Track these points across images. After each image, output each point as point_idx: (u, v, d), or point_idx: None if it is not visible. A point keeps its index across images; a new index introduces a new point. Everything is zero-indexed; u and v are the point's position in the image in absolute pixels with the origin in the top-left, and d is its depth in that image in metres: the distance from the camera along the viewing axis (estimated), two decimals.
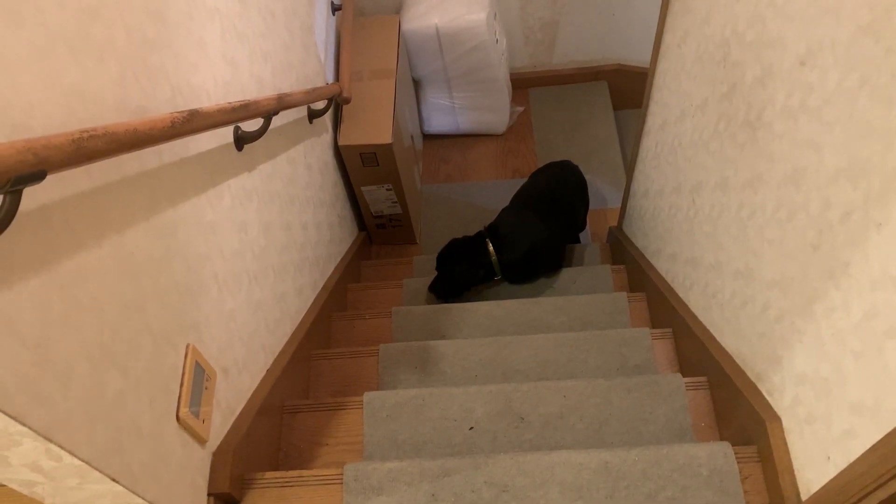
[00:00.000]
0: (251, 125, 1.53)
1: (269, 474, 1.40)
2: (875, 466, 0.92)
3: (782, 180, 1.20)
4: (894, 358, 0.90)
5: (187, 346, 1.20)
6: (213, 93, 1.38)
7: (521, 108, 3.65)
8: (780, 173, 1.21)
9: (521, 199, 2.55)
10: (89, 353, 0.90)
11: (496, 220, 2.49)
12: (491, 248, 2.40)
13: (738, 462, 1.32)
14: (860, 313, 0.98)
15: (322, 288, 2.21)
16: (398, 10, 3.10)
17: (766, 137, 1.25)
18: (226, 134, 1.44)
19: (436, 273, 2.45)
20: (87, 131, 0.79)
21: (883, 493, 0.91)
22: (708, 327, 1.64)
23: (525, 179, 2.70)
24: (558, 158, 2.80)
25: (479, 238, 2.44)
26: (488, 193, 3.31)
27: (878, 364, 0.94)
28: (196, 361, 1.21)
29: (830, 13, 1.01)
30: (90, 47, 0.93)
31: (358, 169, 2.63)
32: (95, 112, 0.93)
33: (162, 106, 1.14)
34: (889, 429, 0.91)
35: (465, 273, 2.39)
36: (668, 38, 1.88)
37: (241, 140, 1.49)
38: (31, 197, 0.78)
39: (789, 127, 1.16)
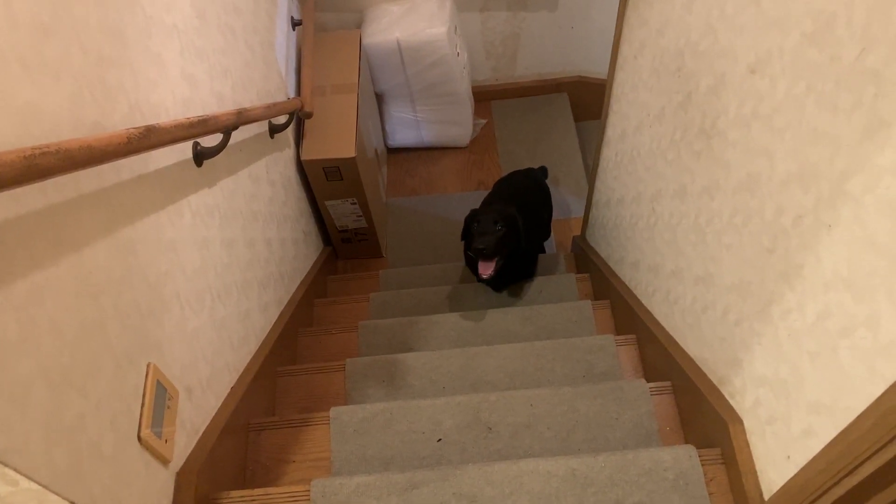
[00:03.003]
0: (211, 141, 1.52)
1: (235, 493, 1.38)
2: (833, 463, 0.95)
3: (737, 187, 1.22)
4: (848, 357, 0.93)
5: (149, 366, 1.18)
6: (172, 109, 1.36)
7: (484, 121, 3.68)
8: (735, 180, 1.23)
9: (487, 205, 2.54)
10: (47, 375, 0.88)
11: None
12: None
13: (702, 465, 1.34)
14: (814, 314, 1.01)
15: (287, 304, 2.20)
16: (359, 24, 3.11)
17: (720, 145, 1.28)
18: (185, 150, 1.43)
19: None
20: (40, 148, 0.78)
21: (840, 490, 0.93)
22: (671, 333, 1.66)
23: (487, 190, 2.72)
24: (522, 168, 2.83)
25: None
26: (454, 205, 3.32)
27: (833, 363, 0.97)
28: (158, 381, 1.20)
29: (777, 23, 1.04)
30: (45, 65, 0.92)
31: (322, 183, 2.62)
32: (50, 129, 0.92)
33: (119, 123, 1.13)
34: (844, 426, 0.93)
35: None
36: (624, 50, 1.91)
37: (200, 156, 1.48)
38: None
39: (742, 134, 1.19)
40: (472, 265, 2.41)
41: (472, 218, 2.23)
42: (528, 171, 2.77)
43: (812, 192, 0.98)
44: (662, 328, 1.71)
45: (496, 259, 2.14)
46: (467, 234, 2.25)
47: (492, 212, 2.18)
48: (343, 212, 2.79)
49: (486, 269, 2.12)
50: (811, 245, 1.00)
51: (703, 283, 1.43)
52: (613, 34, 1.97)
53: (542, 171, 2.86)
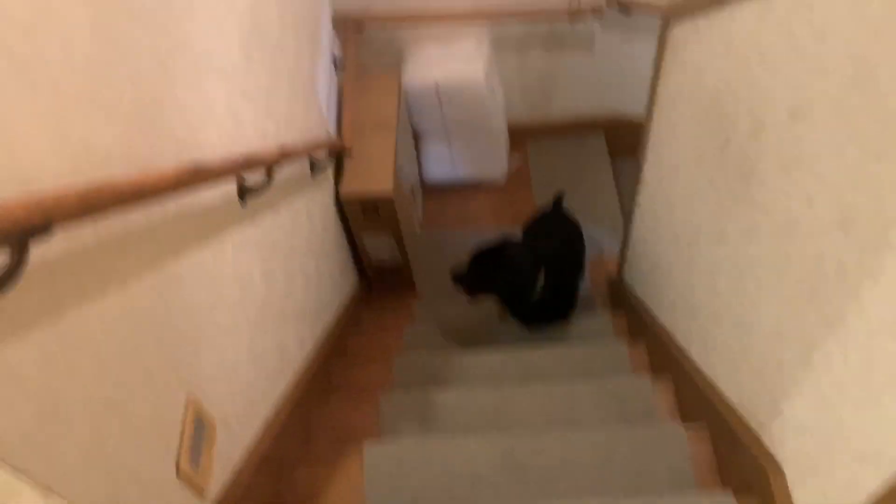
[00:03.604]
0: (255, 178, 1.56)
1: None
2: None
3: (777, 232, 1.21)
4: (893, 407, 0.91)
5: (188, 398, 1.20)
6: (218, 146, 1.40)
7: (519, 158, 3.70)
8: (774, 225, 1.22)
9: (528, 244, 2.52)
10: (90, 404, 0.90)
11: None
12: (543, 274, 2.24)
13: None
14: (858, 363, 0.99)
15: (322, 336, 2.21)
16: (399, 65, 3.17)
17: (760, 189, 1.28)
18: (230, 187, 1.47)
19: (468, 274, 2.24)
20: (94, 187, 0.81)
21: None
22: (708, 376, 1.63)
23: (522, 226, 2.72)
24: (550, 207, 2.84)
25: (536, 255, 2.28)
26: None
27: (878, 413, 0.95)
28: (196, 412, 1.21)
29: (818, 69, 1.04)
30: (100, 106, 0.96)
31: (358, 218, 2.65)
32: (103, 168, 0.95)
33: (168, 160, 1.16)
34: (890, 478, 0.90)
35: (513, 279, 2.22)
36: (662, 93, 1.92)
37: (244, 192, 1.51)
38: (40, 251, 0.79)
39: (782, 179, 1.18)
40: (505, 302, 2.41)
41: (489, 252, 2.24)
42: (558, 211, 2.75)
43: (855, 239, 0.97)
44: (700, 370, 1.68)
45: (470, 290, 2.23)
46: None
47: (505, 252, 2.21)
48: (378, 245, 2.82)
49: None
50: (854, 293, 0.98)
51: (742, 327, 1.41)
52: (650, 75, 1.98)
53: (558, 201, 2.86)
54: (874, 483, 0.95)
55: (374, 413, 1.89)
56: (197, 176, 1.11)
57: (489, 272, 2.20)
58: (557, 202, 2.87)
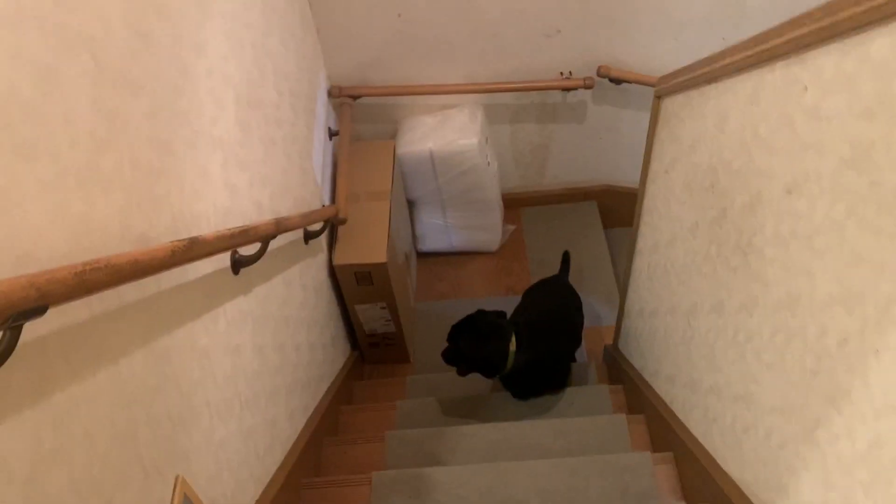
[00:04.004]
0: (249, 249, 1.55)
1: None
2: None
3: (777, 305, 1.21)
4: None
5: (177, 478, 1.16)
6: (213, 218, 1.40)
7: (513, 227, 3.72)
8: (774, 298, 1.22)
9: (522, 314, 2.52)
10: (77, 487, 0.87)
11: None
12: (514, 339, 2.26)
13: None
14: (865, 442, 0.97)
15: (314, 411, 2.17)
16: (393, 135, 3.22)
17: (758, 262, 1.27)
18: (224, 258, 1.46)
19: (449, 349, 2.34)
20: (90, 264, 0.79)
21: None
22: (710, 452, 1.60)
23: (518, 296, 2.71)
24: (551, 275, 2.83)
25: (507, 322, 2.32)
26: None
27: (888, 496, 0.92)
28: (185, 494, 1.17)
29: (814, 147, 1.05)
30: (98, 179, 0.96)
31: (352, 287, 2.64)
32: (99, 241, 0.94)
33: (163, 233, 1.16)
34: None
35: (480, 352, 2.26)
36: (655, 165, 1.94)
37: (238, 264, 1.50)
38: (30, 329, 0.77)
39: (781, 253, 1.18)
40: (482, 373, 2.37)
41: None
42: (557, 279, 2.76)
43: (857, 314, 0.96)
44: (702, 447, 1.65)
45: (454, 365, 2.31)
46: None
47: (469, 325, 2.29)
48: (372, 316, 2.80)
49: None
50: (858, 369, 0.97)
51: (743, 402, 1.39)
52: (642, 145, 2.01)
53: (565, 262, 2.88)
54: None
55: (367, 492, 1.83)
56: (192, 251, 1.10)
57: (464, 345, 2.26)
58: (564, 261, 2.88)
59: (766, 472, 1.31)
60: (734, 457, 1.46)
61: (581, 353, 3.01)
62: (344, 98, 2.91)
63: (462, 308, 3.33)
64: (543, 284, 2.72)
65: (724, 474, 1.50)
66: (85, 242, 0.91)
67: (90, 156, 0.94)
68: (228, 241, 1.30)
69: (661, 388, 2.00)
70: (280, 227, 1.65)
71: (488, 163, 3.20)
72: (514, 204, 3.76)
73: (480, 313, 2.31)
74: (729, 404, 1.46)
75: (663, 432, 1.92)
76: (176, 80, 1.27)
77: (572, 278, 2.85)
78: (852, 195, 0.95)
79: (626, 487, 1.76)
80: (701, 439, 1.66)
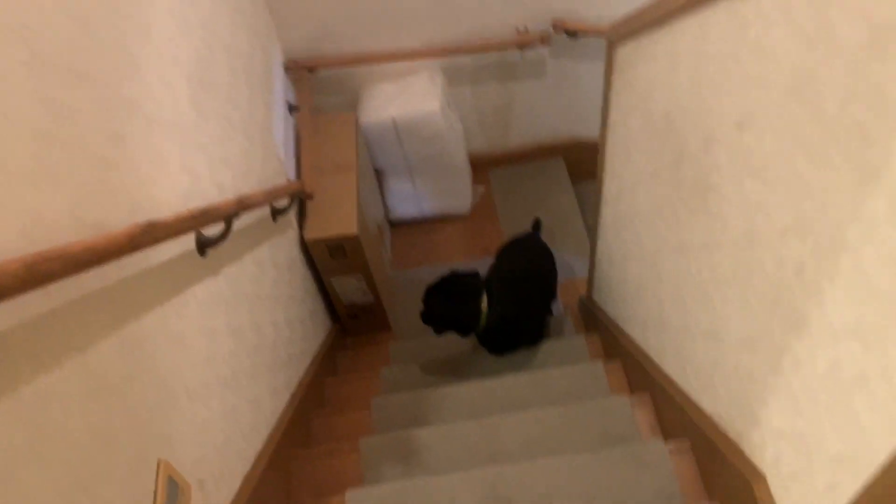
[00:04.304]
0: (213, 230, 1.54)
1: None
2: None
3: (736, 241, 1.23)
4: (865, 408, 0.91)
5: (159, 462, 1.17)
6: (173, 202, 1.39)
7: (482, 189, 3.72)
8: (733, 234, 1.24)
9: (495, 274, 2.55)
10: (56, 483, 0.87)
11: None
12: (485, 298, 2.31)
13: None
14: (826, 365, 1.00)
15: (298, 385, 2.18)
16: (354, 106, 3.19)
17: (716, 200, 1.29)
18: (188, 241, 1.45)
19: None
20: (42, 255, 0.79)
21: None
22: (685, 390, 1.64)
23: (492, 257, 2.73)
24: (523, 232, 2.85)
25: (478, 281, 2.35)
26: None
27: (850, 415, 0.95)
28: (169, 476, 1.18)
29: (759, 80, 1.06)
30: (46, 172, 0.94)
31: (326, 261, 2.64)
32: (53, 233, 0.93)
33: (122, 221, 1.14)
34: (867, 479, 0.91)
35: (453, 311, 2.32)
36: (613, 114, 1.95)
37: (203, 245, 1.50)
38: None
39: (736, 189, 1.20)
40: (458, 332, 2.40)
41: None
42: (529, 236, 2.78)
43: (811, 243, 0.98)
44: (676, 385, 1.68)
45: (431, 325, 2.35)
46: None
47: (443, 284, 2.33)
48: (349, 288, 2.80)
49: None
50: (815, 296, 0.99)
51: (712, 338, 1.42)
52: (601, 97, 2.01)
53: (536, 226, 2.89)
54: (853, 486, 0.95)
55: (356, 459, 1.86)
56: (151, 234, 1.10)
57: (436, 305, 2.31)
58: (535, 227, 2.89)
59: (737, 404, 1.35)
60: (707, 391, 1.50)
61: (557, 307, 3.04)
62: (301, 71, 2.87)
63: (438, 273, 3.35)
64: (515, 242, 2.74)
65: (699, 409, 1.54)
66: (37, 235, 0.90)
67: (36, 149, 0.93)
68: (189, 222, 1.29)
69: (635, 332, 2.03)
70: (242, 204, 1.64)
71: (452, 126, 3.19)
72: (481, 166, 3.76)
73: (453, 274, 2.34)
74: (699, 342, 1.49)
75: (639, 375, 1.96)
76: (121, 67, 1.24)
77: (545, 235, 2.87)
78: (798, 125, 0.97)
79: (607, 430, 1.80)
80: (675, 378, 1.69)
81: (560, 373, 2.15)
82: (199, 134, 1.61)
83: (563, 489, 1.55)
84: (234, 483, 1.52)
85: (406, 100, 3.05)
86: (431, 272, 3.36)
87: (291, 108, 2.70)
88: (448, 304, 2.29)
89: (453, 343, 2.71)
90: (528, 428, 1.84)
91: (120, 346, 1.09)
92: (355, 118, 2.93)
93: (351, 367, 2.75)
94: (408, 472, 1.81)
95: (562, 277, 3.00)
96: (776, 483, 1.22)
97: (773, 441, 1.21)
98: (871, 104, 0.80)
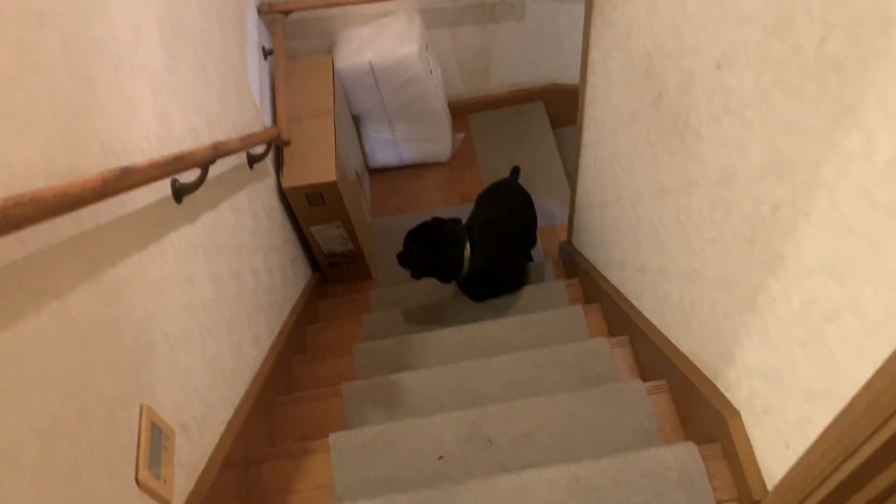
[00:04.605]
0: (189, 176, 1.52)
1: None
2: (830, 449, 0.95)
3: (714, 181, 1.23)
4: (836, 342, 0.93)
5: (142, 407, 1.17)
6: (146, 148, 1.36)
7: (462, 135, 3.69)
8: (711, 175, 1.24)
9: (474, 221, 2.54)
10: (37, 427, 0.87)
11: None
12: (468, 245, 2.29)
13: (704, 461, 1.34)
14: (800, 302, 1.01)
15: (279, 333, 2.19)
16: (330, 49, 3.13)
17: (694, 142, 1.29)
18: (163, 188, 1.43)
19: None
20: (13, 199, 0.77)
21: (841, 474, 0.93)
22: (663, 331, 1.66)
23: (471, 203, 2.73)
24: (502, 178, 2.85)
25: (461, 228, 2.33)
26: None
27: (822, 350, 0.97)
28: (152, 422, 1.19)
29: (739, 18, 1.05)
30: (12, 115, 0.92)
31: (305, 209, 2.62)
32: (23, 179, 0.91)
33: (94, 166, 1.12)
34: (839, 411, 0.93)
35: (436, 258, 2.30)
36: (593, 55, 1.93)
37: (179, 192, 1.48)
38: None
39: (715, 130, 1.20)
40: (439, 278, 2.40)
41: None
42: (509, 182, 2.78)
43: (787, 181, 0.99)
44: (654, 327, 1.71)
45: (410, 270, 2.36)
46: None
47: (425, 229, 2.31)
48: (329, 236, 2.79)
49: None
50: (791, 234, 1.00)
51: (689, 279, 1.44)
52: (582, 40, 1.99)
53: (515, 172, 2.89)
54: (824, 420, 0.98)
55: (338, 404, 1.88)
56: (125, 180, 1.08)
57: (419, 251, 2.30)
58: (514, 174, 2.88)
59: (713, 343, 1.37)
60: (684, 332, 1.53)
61: (538, 253, 3.06)
62: (275, 14, 2.80)
63: (418, 221, 3.34)
64: (495, 188, 2.73)
65: (676, 350, 1.57)
66: (7, 180, 0.88)
67: (1, 95, 0.90)
68: (164, 168, 1.27)
69: (614, 275, 2.05)
70: (218, 151, 1.62)
71: (431, 70, 3.14)
72: (461, 111, 3.72)
73: (436, 220, 2.32)
74: (676, 283, 1.51)
75: (618, 318, 1.98)
76: (87, 7, 1.20)
77: (525, 181, 2.86)
78: (777, 63, 0.96)
79: (586, 372, 1.84)
80: (653, 319, 1.72)
81: (540, 317, 2.18)
82: (172, 78, 1.58)
83: (543, 428, 1.59)
84: (217, 428, 1.54)
85: (383, 43, 3.00)
86: (412, 219, 3.36)
87: (266, 53, 2.64)
88: (431, 251, 2.28)
89: (434, 290, 2.73)
90: (508, 371, 1.87)
91: (97, 292, 1.08)
92: (331, 62, 2.88)
93: (332, 314, 2.76)
94: (391, 416, 1.84)
95: (542, 223, 3.01)
96: (750, 419, 1.26)
97: (748, 378, 1.24)
98: (849, 41, 0.79)
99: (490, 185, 2.78)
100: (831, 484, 0.95)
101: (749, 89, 1.06)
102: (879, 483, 0.90)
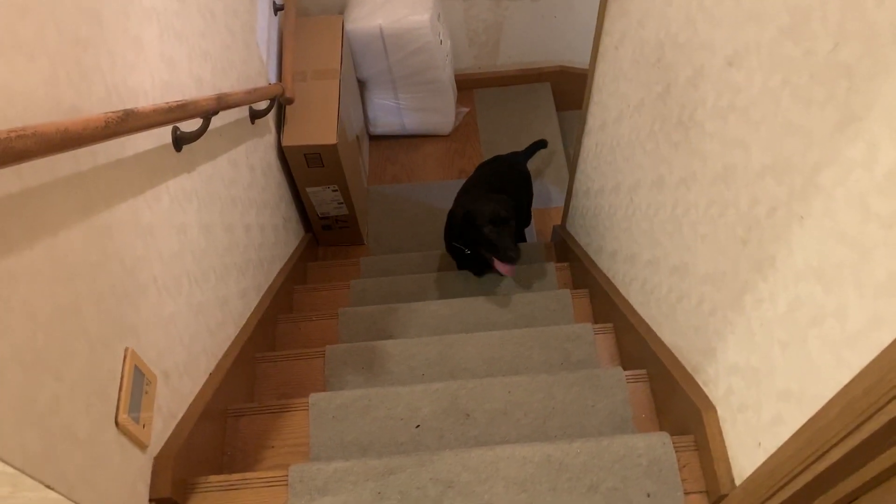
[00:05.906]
0: (190, 125, 1.51)
1: (212, 478, 1.38)
2: (801, 450, 0.97)
3: (714, 178, 1.24)
4: (817, 346, 0.95)
5: (126, 350, 1.18)
6: (150, 93, 1.35)
7: (466, 109, 3.67)
8: (711, 171, 1.25)
9: (469, 192, 2.52)
10: (21, 358, 0.88)
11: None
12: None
13: (676, 451, 1.36)
14: (785, 304, 1.03)
15: (267, 290, 2.19)
16: (342, 10, 3.10)
17: (698, 136, 1.30)
18: (164, 134, 1.42)
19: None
20: (16, 131, 0.77)
21: (808, 475, 0.95)
22: (647, 322, 1.68)
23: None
24: (508, 153, 2.85)
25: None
26: (435, 194, 3.32)
27: (802, 353, 0.99)
28: (135, 366, 1.19)
29: (754, 17, 1.05)
30: (19, 45, 0.91)
31: (302, 170, 2.61)
32: (26, 112, 0.91)
33: (97, 106, 1.12)
34: (813, 414, 0.95)
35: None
36: (605, 41, 1.92)
37: (179, 140, 1.47)
38: None
39: (719, 126, 1.20)
40: (453, 253, 2.42)
41: (477, 219, 2.15)
42: (510, 157, 2.78)
43: (786, 184, 1.00)
44: (639, 317, 1.73)
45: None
46: (477, 235, 2.17)
47: (504, 215, 2.14)
48: (324, 199, 2.79)
49: (512, 271, 2.13)
50: (784, 236, 1.01)
51: (678, 273, 1.45)
52: (595, 25, 1.97)
53: (538, 145, 2.94)
54: (798, 421, 1.00)
55: (320, 365, 1.89)
56: (128, 123, 1.07)
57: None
58: (534, 146, 2.92)
59: (696, 338, 1.39)
60: (668, 324, 1.54)
61: (531, 233, 3.07)
62: None
63: (414, 191, 3.35)
64: (497, 161, 2.73)
65: (659, 341, 1.59)
66: (10, 113, 0.87)
67: (7, 19, 0.89)
68: (166, 115, 1.26)
69: (604, 263, 2.06)
70: (222, 102, 1.61)
71: (441, 41, 3.11)
72: (467, 85, 3.70)
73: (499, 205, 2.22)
74: (665, 276, 1.53)
75: (605, 305, 2.00)
76: None
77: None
78: (788, 64, 0.97)
79: (568, 355, 1.85)
80: (639, 309, 1.74)
81: (527, 298, 2.19)
82: (180, 22, 1.56)
83: (520, 406, 1.60)
84: (199, 378, 1.55)
85: (395, 8, 2.97)
86: (408, 190, 3.36)
87: (277, 8, 2.61)
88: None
89: (425, 261, 2.74)
90: (491, 347, 1.89)
91: (90, 232, 1.08)
92: (342, 23, 2.85)
93: (321, 277, 2.77)
94: (371, 381, 1.85)
95: (538, 204, 3.02)
96: (725, 414, 1.28)
97: (727, 375, 1.26)
98: (862, 49, 0.80)
99: (492, 156, 2.78)
100: (798, 484, 0.97)
101: (757, 89, 1.06)
102: (845, 487, 0.92)
